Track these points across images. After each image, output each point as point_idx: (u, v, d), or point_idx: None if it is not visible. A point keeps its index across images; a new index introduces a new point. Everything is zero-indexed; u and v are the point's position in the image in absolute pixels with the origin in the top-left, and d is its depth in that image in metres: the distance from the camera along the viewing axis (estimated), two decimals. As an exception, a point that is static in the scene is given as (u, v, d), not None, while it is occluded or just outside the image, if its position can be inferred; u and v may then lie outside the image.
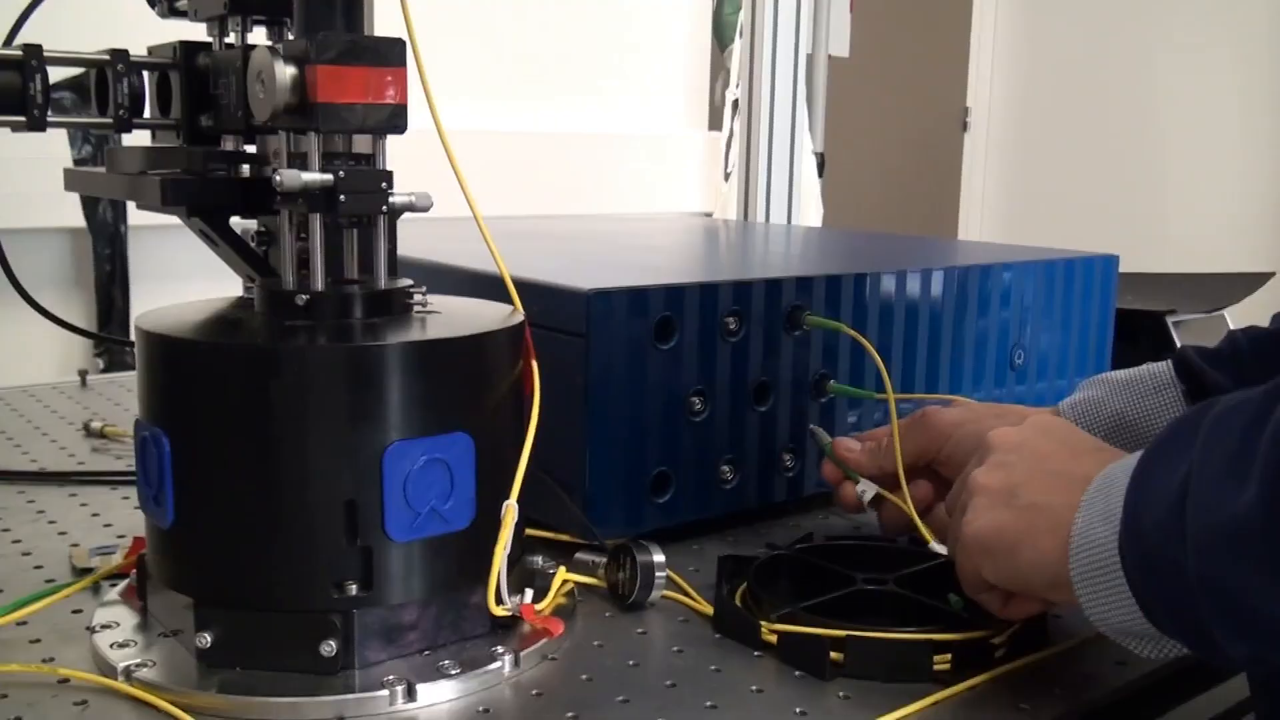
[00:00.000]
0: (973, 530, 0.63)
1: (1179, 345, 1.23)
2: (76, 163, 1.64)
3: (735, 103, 2.35)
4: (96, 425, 1.08)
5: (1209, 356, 0.78)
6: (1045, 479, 0.61)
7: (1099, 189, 4.25)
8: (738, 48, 2.32)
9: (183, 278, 1.36)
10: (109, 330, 1.71)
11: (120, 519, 0.86)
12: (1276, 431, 0.48)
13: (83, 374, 1.33)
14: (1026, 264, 1.01)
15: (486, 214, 0.69)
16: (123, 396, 1.25)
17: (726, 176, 2.52)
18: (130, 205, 0.78)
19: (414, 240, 0.90)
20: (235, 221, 0.71)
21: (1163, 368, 0.79)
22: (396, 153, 0.66)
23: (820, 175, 2.76)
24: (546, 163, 2.23)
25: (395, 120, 0.62)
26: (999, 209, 4.65)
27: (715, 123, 2.63)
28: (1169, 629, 0.54)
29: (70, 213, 1.73)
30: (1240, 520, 0.48)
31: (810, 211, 2.54)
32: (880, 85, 4.50)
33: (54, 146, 1.62)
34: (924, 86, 4.69)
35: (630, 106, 2.44)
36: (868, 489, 0.79)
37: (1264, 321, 0.81)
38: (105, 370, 1.71)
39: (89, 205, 1.74)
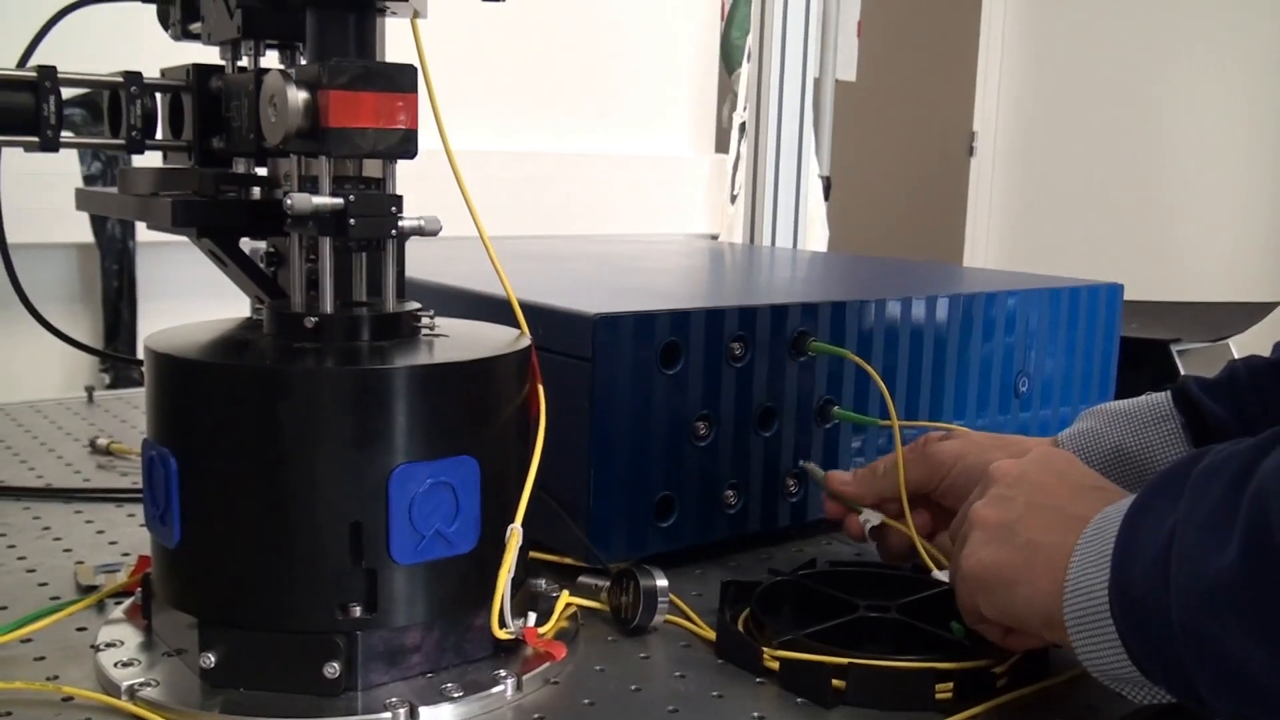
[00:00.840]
0: (970, 565, 0.63)
1: (1183, 373, 1.24)
2: (86, 180, 1.65)
3: (742, 125, 2.36)
4: (103, 442, 1.09)
5: (1208, 387, 0.78)
6: (1044, 516, 0.61)
7: (1105, 216, 4.25)
8: (745, 71, 2.33)
9: (190, 295, 1.37)
10: (115, 346, 1.71)
11: (126, 537, 0.86)
12: (1260, 489, 0.48)
13: (89, 390, 1.33)
14: (1031, 291, 1.01)
15: (494, 234, 0.69)
16: (129, 413, 1.25)
17: (733, 199, 2.53)
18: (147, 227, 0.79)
19: (422, 262, 0.91)
20: (244, 242, 0.72)
21: (1161, 399, 0.79)
22: (405, 172, 0.67)
23: (826, 199, 2.77)
24: (554, 184, 2.24)
25: (406, 145, 0.62)
26: (1005, 234, 4.66)
27: (722, 145, 2.64)
28: (1155, 678, 0.54)
29: (79, 228, 1.73)
30: (1223, 578, 0.48)
31: (816, 235, 2.54)
32: (887, 110, 4.51)
33: (64, 163, 1.62)
34: (931, 111, 4.70)
35: (638, 129, 2.45)
36: (871, 518, 0.80)
37: (1269, 349, 0.81)
38: (111, 386, 1.72)
39: (97, 221, 1.74)
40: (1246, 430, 0.64)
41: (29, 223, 1.68)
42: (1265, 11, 3.87)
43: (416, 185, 0.72)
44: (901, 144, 4.64)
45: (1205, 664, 0.50)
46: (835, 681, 0.63)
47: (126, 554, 0.82)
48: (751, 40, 1.98)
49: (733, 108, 2.63)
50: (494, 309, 0.78)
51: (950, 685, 0.63)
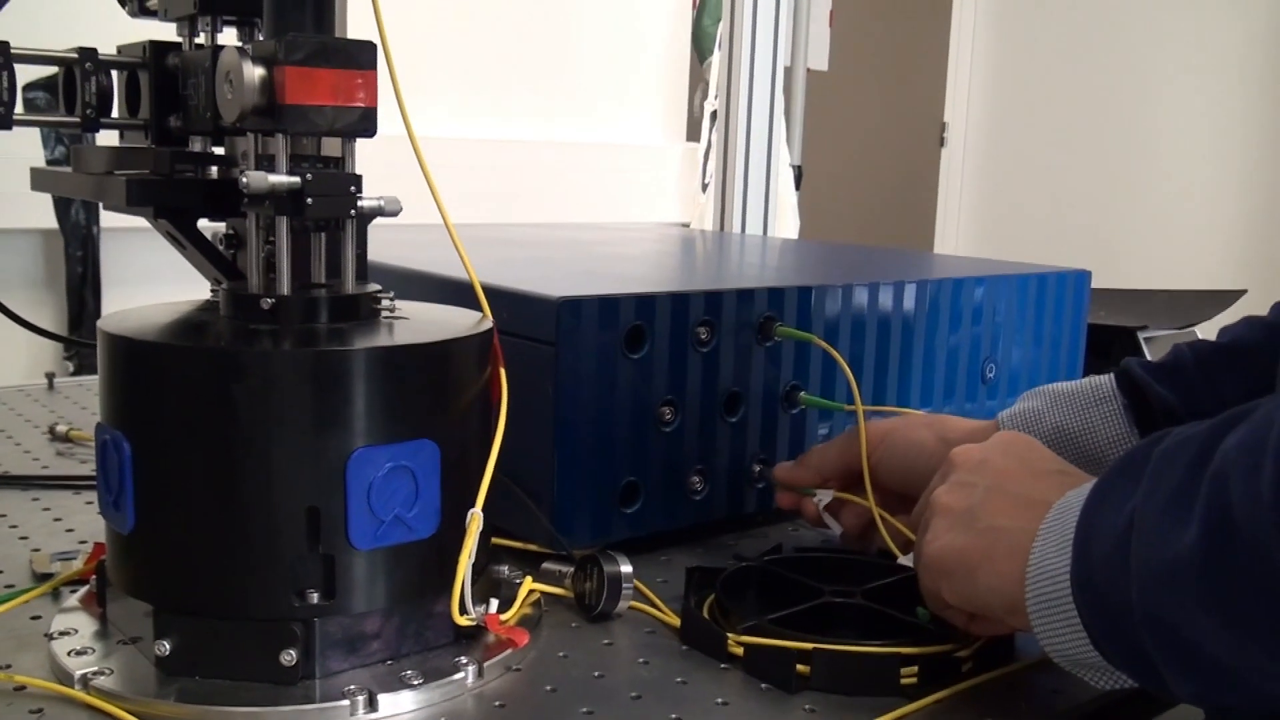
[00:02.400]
0: (932, 551, 0.63)
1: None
2: (49, 164, 1.63)
3: (714, 114, 2.36)
4: (62, 429, 1.07)
5: (1153, 370, 0.78)
6: (1005, 501, 0.61)
7: (1075, 205, 4.27)
8: (717, 59, 2.33)
9: (156, 281, 1.35)
10: (80, 333, 1.70)
11: (83, 524, 0.85)
12: (1218, 470, 0.48)
13: (50, 376, 1.31)
14: (998, 278, 1.01)
15: (462, 222, 0.69)
16: (90, 400, 1.24)
17: (704, 187, 2.53)
18: (103, 208, 0.77)
19: (386, 246, 0.90)
20: (205, 225, 0.71)
21: (1104, 380, 0.79)
22: (370, 159, 0.66)
23: (797, 188, 2.77)
24: (524, 172, 2.23)
25: (365, 123, 0.61)
26: (975, 224, 4.67)
27: (694, 134, 2.64)
28: (1117, 662, 0.54)
29: (42, 214, 1.71)
30: (1182, 560, 0.48)
31: (787, 223, 2.54)
32: (859, 99, 4.52)
33: (26, 147, 1.60)
34: (902, 101, 4.71)
35: (608, 116, 2.44)
36: (823, 496, 0.81)
37: None
38: (76, 373, 1.70)
39: (61, 207, 1.73)
40: (1192, 414, 0.64)
41: (-10, 208, 1.66)
42: (1235, 3, 3.89)
43: (382, 171, 0.71)
44: (873, 134, 4.65)
45: (1165, 646, 0.50)
46: (800, 666, 0.63)
47: (84, 542, 0.81)
48: (722, 28, 1.97)
49: (704, 96, 2.62)
50: (458, 293, 0.77)
51: (915, 670, 0.63)
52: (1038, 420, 0.79)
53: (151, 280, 1.60)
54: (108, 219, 1.73)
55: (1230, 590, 0.47)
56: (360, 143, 0.64)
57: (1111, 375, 0.79)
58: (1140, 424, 0.76)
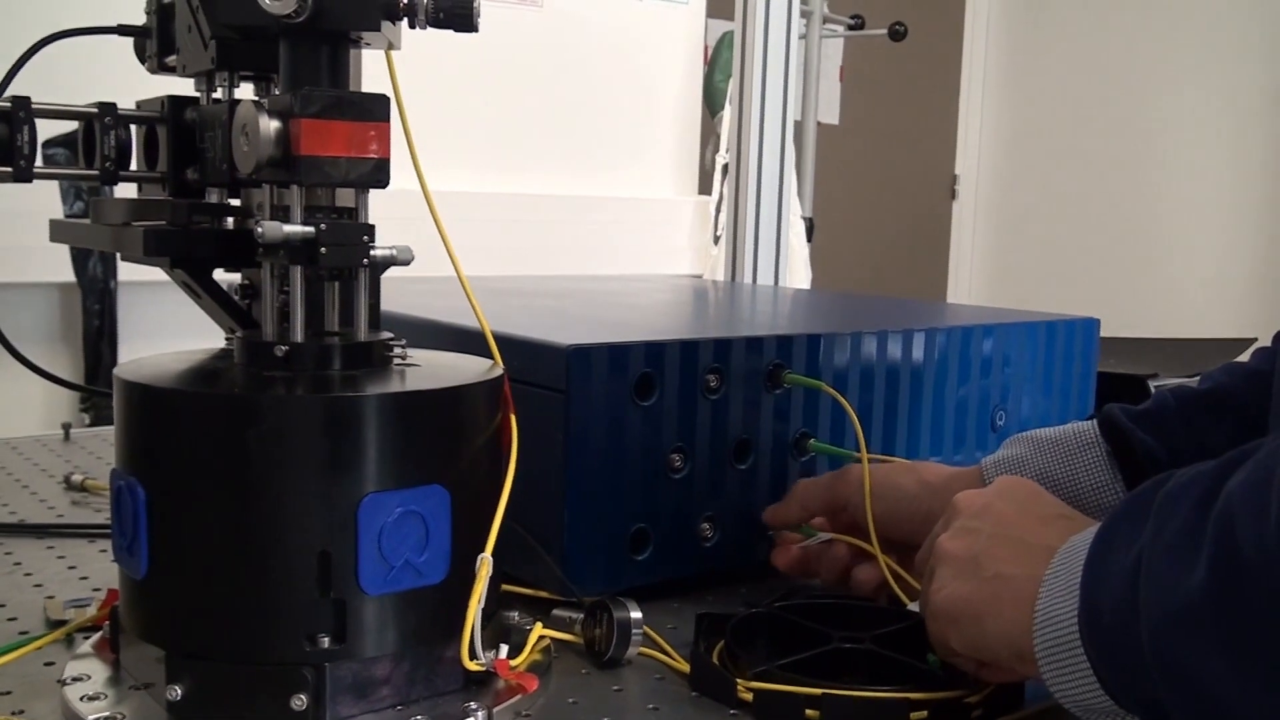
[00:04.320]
0: (939, 600, 0.63)
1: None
2: (68, 218, 1.65)
3: (725, 167, 2.38)
4: (77, 479, 1.08)
5: (1136, 416, 0.78)
6: (1009, 548, 0.61)
7: (1086, 257, 4.28)
8: (728, 114, 2.35)
9: (172, 335, 1.36)
10: (97, 386, 1.71)
11: (97, 572, 0.86)
12: (1224, 511, 0.48)
13: (66, 427, 1.32)
14: (1008, 326, 1.01)
15: (475, 275, 0.70)
16: (105, 450, 1.25)
17: (716, 240, 2.54)
18: (121, 262, 0.78)
19: (400, 297, 0.91)
20: (220, 276, 0.72)
21: (1087, 427, 0.79)
22: (387, 213, 0.67)
23: (809, 240, 2.78)
24: (538, 225, 2.25)
25: (378, 174, 0.62)
26: (987, 276, 4.68)
27: (705, 187, 2.66)
28: (1127, 705, 0.54)
29: (60, 267, 1.74)
30: (1191, 599, 0.48)
31: (799, 276, 2.55)
32: (870, 153, 4.54)
33: (46, 201, 1.63)
34: (913, 154, 4.73)
35: (621, 170, 2.46)
36: (820, 535, 0.82)
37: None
38: (92, 425, 1.71)
39: (79, 260, 1.75)
40: (1175, 460, 0.64)
41: (10, 262, 1.68)
42: (1242, 57, 3.91)
43: (398, 227, 0.72)
44: (885, 187, 4.67)
45: (1175, 687, 0.50)
46: (809, 712, 0.63)
47: (98, 589, 0.81)
48: (733, 84, 2.00)
49: (716, 150, 2.65)
50: (469, 341, 0.77)
51: (925, 716, 0.63)
52: (1021, 466, 0.79)
53: (168, 334, 1.61)
54: (125, 273, 1.75)
55: (1239, 629, 0.47)
56: (376, 197, 0.66)
57: (1094, 421, 0.79)
58: (1124, 470, 0.76)
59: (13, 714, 0.62)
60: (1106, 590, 0.53)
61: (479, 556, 0.63)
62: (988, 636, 0.60)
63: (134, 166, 0.74)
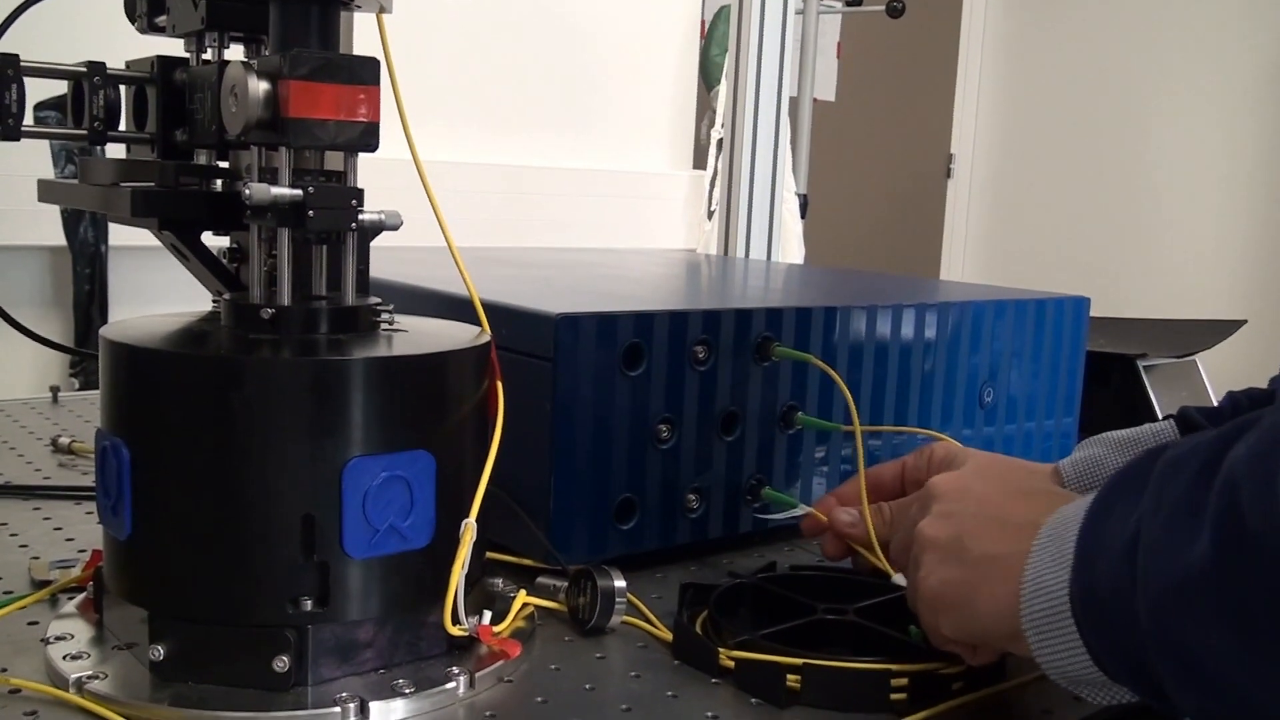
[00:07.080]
0: (927, 587, 0.63)
1: (1149, 389, 1.24)
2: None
3: (720, 142, 2.37)
4: (65, 441, 1.08)
5: (1210, 415, 0.77)
6: (992, 527, 0.61)
7: (1079, 236, 4.29)
8: (723, 89, 2.34)
9: (162, 300, 1.36)
10: (86, 349, 1.70)
11: (83, 534, 0.86)
12: (1227, 480, 0.47)
13: (54, 390, 1.32)
14: (997, 303, 1.01)
15: (468, 245, 0.69)
16: (93, 414, 1.24)
17: (710, 215, 2.54)
18: (112, 226, 0.78)
19: (388, 264, 0.90)
20: (209, 240, 0.71)
21: (1164, 426, 0.78)
22: (377, 184, 0.67)
23: (803, 216, 2.78)
24: (531, 198, 2.25)
25: (367, 138, 0.62)
26: (981, 254, 4.69)
27: (700, 162, 2.65)
28: (1118, 675, 0.53)
29: (51, 231, 1.73)
30: (1192, 572, 0.47)
31: (792, 252, 2.55)
32: (866, 130, 4.54)
33: (36, 164, 1.62)
34: (909, 132, 4.73)
35: (616, 144, 2.45)
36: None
37: (1236, 367, 0.81)
38: (82, 389, 1.70)
39: (70, 224, 1.74)
40: None
41: (0, 225, 1.67)
42: (1238, 38, 3.91)
43: (389, 195, 0.72)
44: (880, 164, 4.67)
45: (1171, 657, 0.49)
46: (790, 681, 0.63)
47: (83, 550, 0.81)
48: (729, 59, 1.99)
49: (711, 124, 2.64)
50: (458, 309, 0.77)
51: (905, 684, 0.63)
52: (1099, 466, 0.78)
53: (158, 299, 1.61)
54: (116, 237, 1.74)
55: (1242, 599, 0.46)
56: (367, 166, 0.65)
57: (1171, 420, 0.78)
58: None
59: (-4, 672, 0.63)
60: (1103, 560, 0.52)
61: (463, 522, 0.63)
62: (981, 618, 0.59)
63: (123, 127, 0.73)
